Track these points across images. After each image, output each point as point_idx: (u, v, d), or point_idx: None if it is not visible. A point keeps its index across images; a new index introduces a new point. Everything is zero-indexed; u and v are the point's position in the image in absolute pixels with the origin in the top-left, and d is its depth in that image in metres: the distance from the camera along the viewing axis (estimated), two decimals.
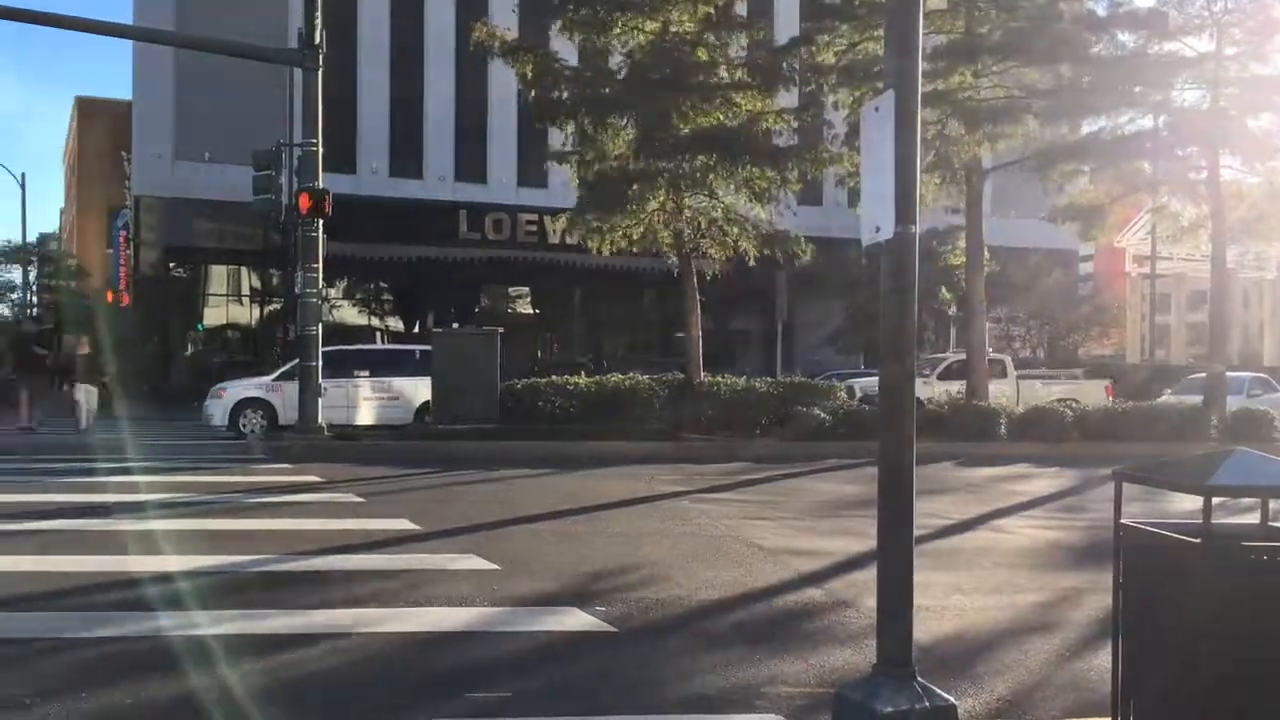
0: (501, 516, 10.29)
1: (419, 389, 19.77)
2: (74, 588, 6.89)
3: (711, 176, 18.42)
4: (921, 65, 4.30)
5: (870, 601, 4.63)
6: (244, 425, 19.62)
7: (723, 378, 19.72)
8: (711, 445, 17.62)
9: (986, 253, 21.11)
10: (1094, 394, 24.83)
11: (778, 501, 12.22)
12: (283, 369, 20.17)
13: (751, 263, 19.45)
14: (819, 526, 10.35)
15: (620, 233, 18.80)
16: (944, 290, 31.08)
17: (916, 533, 4.27)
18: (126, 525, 9.47)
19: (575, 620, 6.23)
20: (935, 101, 18.28)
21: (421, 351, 21.64)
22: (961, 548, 9.12)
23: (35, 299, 54.01)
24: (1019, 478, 15.04)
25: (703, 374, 19.34)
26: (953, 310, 32.87)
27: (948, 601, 6.86)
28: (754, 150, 18.42)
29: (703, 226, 18.96)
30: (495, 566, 7.69)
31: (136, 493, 11.56)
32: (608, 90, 18.75)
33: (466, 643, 5.77)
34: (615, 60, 19.33)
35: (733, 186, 18.73)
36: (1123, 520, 3.88)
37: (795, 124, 19.56)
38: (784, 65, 19.08)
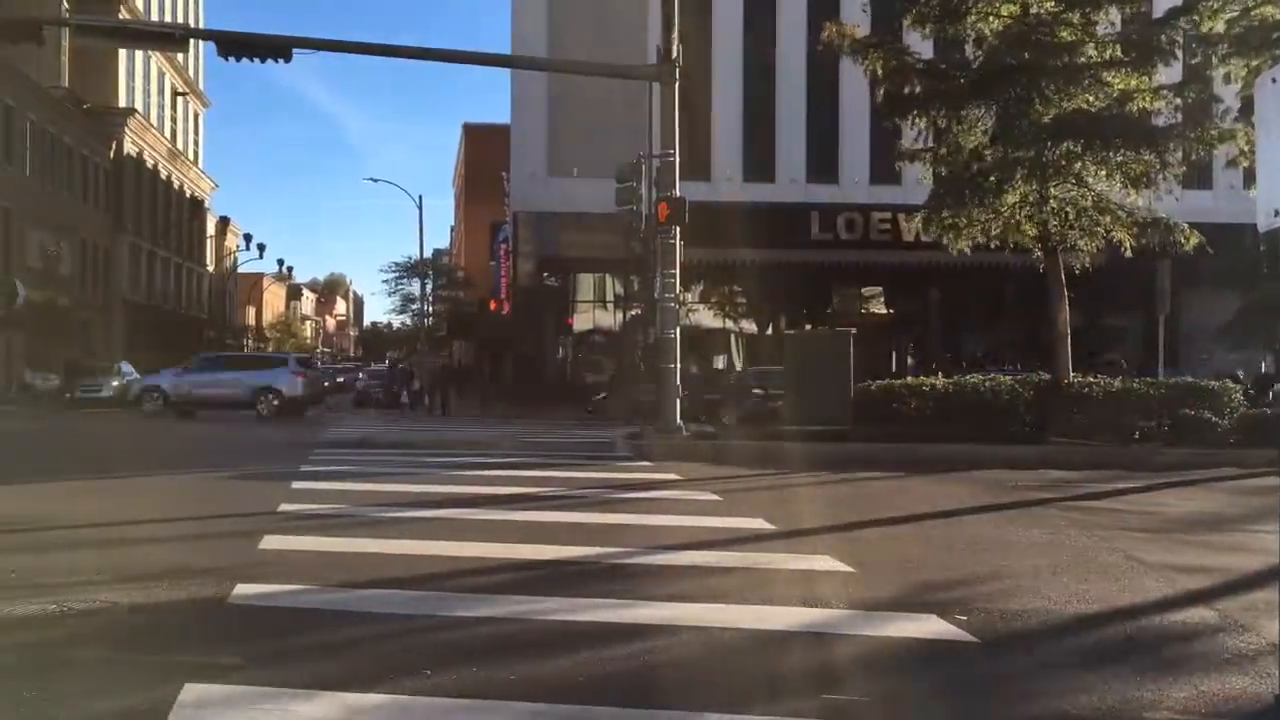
0: (856, 518, 10.20)
1: None
2: (454, 570, 7.55)
3: (1079, 163, 17.27)
4: None
5: (1272, 625, 4.15)
6: None
7: (1095, 378, 18.38)
8: (1082, 451, 16.49)
9: None
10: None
11: (1160, 512, 11.22)
12: None
13: (1128, 253, 18.00)
14: (1209, 540, 9.41)
15: (977, 228, 18.08)
16: None
17: None
18: (499, 515, 10.27)
19: (933, 627, 6.06)
20: None
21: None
22: None
23: (431, 308, 59.94)
24: None
25: (1072, 374, 18.16)
26: None
27: None
28: (1127, 132, 17.07)
29: (1070, 217, 17.79)
30: (850, 569, 7.62)
31: (509, 486, 12.56)
32: (961, 80, 18.07)
33: (820, 643, 5.76)
34: (969, 50, 18.59)
35: (1104, 172, 17.44)
36: None
37: (1176, 101, 17.90)
38: (1163, 38, 17.49)
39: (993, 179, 17.44)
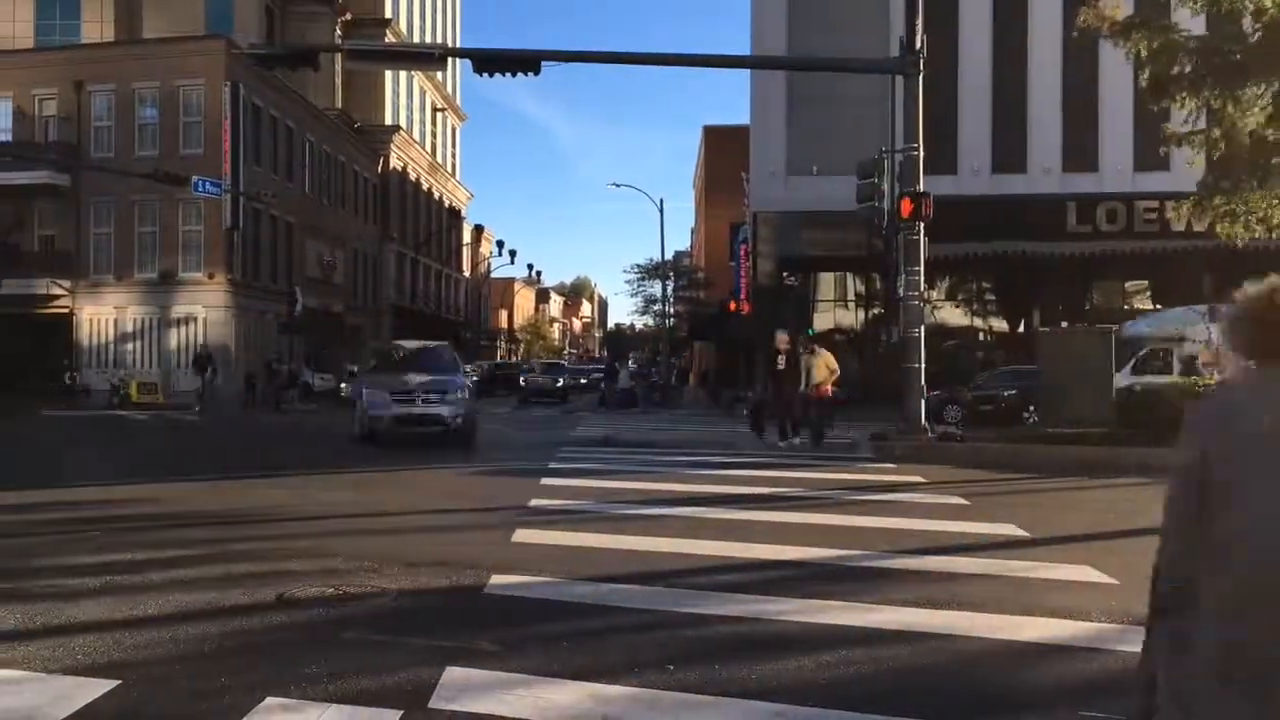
0: (1119, 527, 9.62)
1: None
2: (694, 568, 7.65)
3: None
4: None
5: None
6: None
7: None
8: None
9: None
10: None
11: None
12: None
13: None
14: None
15: (1257, 215, 16.63)
16: None
17: None
18: (737, 515, 10.32)
19: None
20: None
21: None
22: None
23: (672, 309, 60.87)
24: None
25: None
26: None
27: None
28: None
29: None
30: (1113, 580, 7.21)
31: (748, 485, 12.60)
32: (1238, 56, 16.65)
33: (1078, 657, 5.48)
34: (1247, 23, 17.10)
35: None
36: None
37: None
38: None
39: (1275, 161, 16.00)
